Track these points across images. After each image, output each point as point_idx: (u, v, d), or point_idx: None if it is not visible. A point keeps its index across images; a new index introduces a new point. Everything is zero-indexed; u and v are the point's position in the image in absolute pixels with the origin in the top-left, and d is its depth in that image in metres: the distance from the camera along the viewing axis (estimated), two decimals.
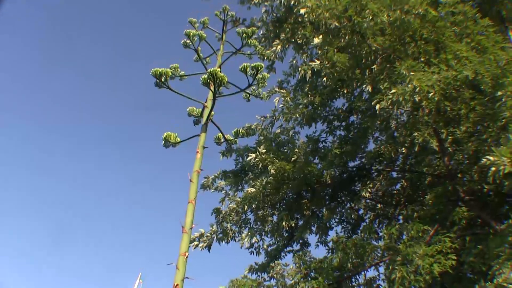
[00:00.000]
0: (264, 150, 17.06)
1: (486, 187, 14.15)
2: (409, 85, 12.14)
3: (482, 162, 11.48)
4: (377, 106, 13.48)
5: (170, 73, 7.70)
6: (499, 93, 11.67)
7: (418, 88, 11.95)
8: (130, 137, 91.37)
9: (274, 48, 17.35)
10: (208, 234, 18.23)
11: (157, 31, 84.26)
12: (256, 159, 17.02)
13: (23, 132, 78.69)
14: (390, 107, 13.10)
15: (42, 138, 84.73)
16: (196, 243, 18.05)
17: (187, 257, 6.28)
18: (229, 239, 18.49)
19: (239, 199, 18.01)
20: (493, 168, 10.89)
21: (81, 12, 73.84)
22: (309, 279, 15.12)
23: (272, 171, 16.60)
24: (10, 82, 65.10)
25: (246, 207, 17.72)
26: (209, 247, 18.19)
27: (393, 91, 12.52)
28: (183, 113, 8.19)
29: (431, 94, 11.95)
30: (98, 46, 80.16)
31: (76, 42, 77.20)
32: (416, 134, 15.22)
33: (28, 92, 77.69)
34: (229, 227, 18.39)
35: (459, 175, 15.19)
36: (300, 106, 16.98)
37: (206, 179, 18.91)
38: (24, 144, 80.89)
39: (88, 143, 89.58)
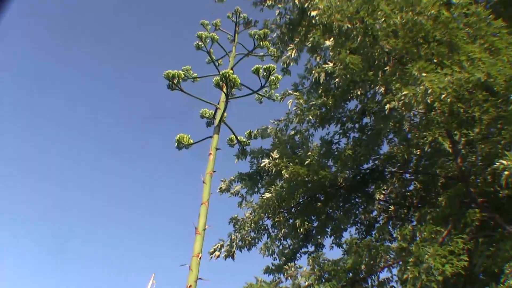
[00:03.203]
0: (277, 155, 17.08)
1: (499, 189, 14.13)
2: (421, 87, 12.13)
3: (495, 166, 11.48)
4: (387, 106, 13.50)
5: (183, 75, 7.79)
6: None
7: (430, 90, 11.95)
8: (144, 139, 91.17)
9: (289, 53, 17.39)
10: (228, 243, 18.26)
11: (168, 34, 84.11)
12: (270, 164, 17.05)
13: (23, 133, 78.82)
14: (402, 108, 13.10)
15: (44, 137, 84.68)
16: (217, 253, 18.06)
17: (200, 258, 6.35)
18: (251, 246, 18.51)
19: (255, 205, 18.02)
20: (506, 172, 10.90)
21: (90, 11, 73.81)
22: (323, 280, 15.14)
23: (286, 175, 16.60)
24: (11, 83, 65.27)
25: (262, 214, 17.75)
26: (232, 256, 18.20)
27: (404, 92, 12.53)
28: (196, 117, 8.27)
29: (443, 96, 11.95)
30: (107, 46, 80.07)
31: (83, 42, 77.29)
32: (428, 135, 15.21)
33: (29, 94, 77.82)
34: (247, 234, 18.38)
35: (472, 177, 15.14)
36: (313, 108, 17.00)
37: (222, 182, 18.97)
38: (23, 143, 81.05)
39: (104, 140, 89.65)
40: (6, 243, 65.92)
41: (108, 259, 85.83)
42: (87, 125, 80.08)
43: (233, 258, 18.15)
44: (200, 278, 6.22)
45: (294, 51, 17.34)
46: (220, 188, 18.73)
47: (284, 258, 18.63)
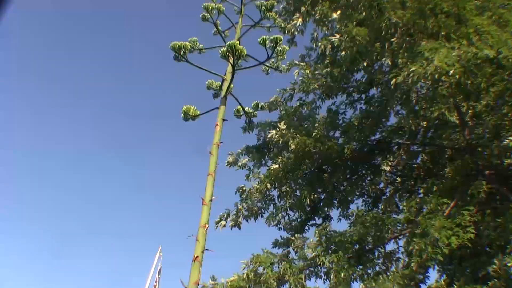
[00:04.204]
0: (284, 126, 17.03)
1: (506, 161, 14.13)
2: (430, 65, 12.05)
3: (504, 143, 11.46)
4: (393, 81, 13.47)
5: (189, 47, 7.75)
6: None
7: (438, 67, 11.88)
8: (153, 112, 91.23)
9: (295, 21, 17.28)
10: (235, 213, 18.27)
11: (173, 6, 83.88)
12: (277, 135, 17.01)
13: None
14: (409, 82, 13.05)
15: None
16: (223, 222, 18.11)
17: (207, 229, 6.36)
18: (257, 216, 18.56)
19: (262, 176, 18.03)
20: None
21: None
22: (330, 252, 15.17)
23: (293, 146, 16.58)
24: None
25: (269, 185, 17.75)
26: (238, 225, 18.25)
27: (412, 69, 12.47)
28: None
29: (451, 71, 11.88)
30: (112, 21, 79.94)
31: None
32: (436, 107, 15.17)
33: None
34: (254, 204, 18.40)
35: (479, 149, 15.14)
36: (319, 77, 16.96)
37: (230, 155, 18.94)
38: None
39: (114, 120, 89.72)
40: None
41: (115, 232, 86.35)
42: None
43: (239, 227, 18.17)
44: (207, 249, 6.23)
45: (300, 20, 17.24)
46: (228, 161, 18.69)
47: (292, 231, 18.65)
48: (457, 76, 12.09)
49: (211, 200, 6.56)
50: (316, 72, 17.15)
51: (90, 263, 79.34)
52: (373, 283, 13.94)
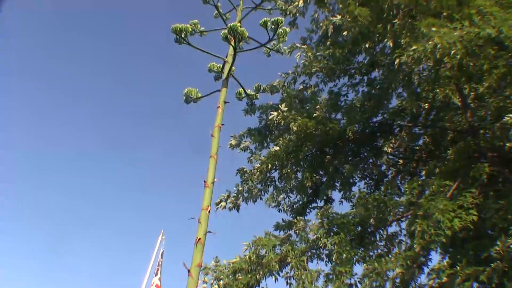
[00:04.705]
0: (286, 108, 17.02)
1: (508, 144, 14.11)
2: (430, 42, 12.03)
3: (504, 120, 11.43)
4: (397, 61, 13.43)
5: (190, 29, 7.72)
6: None
7: (439, 45, 11.85)
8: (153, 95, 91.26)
9: (296, 3, 17.23)
10: (235, 195, 18.29)
11: None
12: (279, 117, 17.00)
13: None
14: (411, 62, 13.01)
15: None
16: (223, 204, 18.13)
17: (209, 211, 6.36)
18: (256, 198, 18.57)
19: (263, 158, 18.02)
20: None
21: None
22: (332, 234, 15.19)
23: (294, 128, 16.56)
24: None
25: (269, 165, 17.75)
26: (237, 207, 18.28)
27: (413, 47, 12.44)
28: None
29: (453, 51, 11.85)
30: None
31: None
32: (438, 89, 15.15)
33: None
34: (254, 186, 18.42)
35: (481, 131, 15.11)
36: (321, 58, 16.93)
37: (232, 138, 18.93)
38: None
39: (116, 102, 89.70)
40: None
41: (117, 217, 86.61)
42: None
43: (237, 209, 18.24)
44: (209, 232, 6.22)
45: (301, 1, 17.18)
46: (230, 144, 18.70)
47: (293, 214, 18.68)
48: (459, 57, 12.05)
49: (213, 183, 6.56)
50: (318, 53, 17.11)
51: (92, 249, 79.67)
52: (375, 263, 13.96)
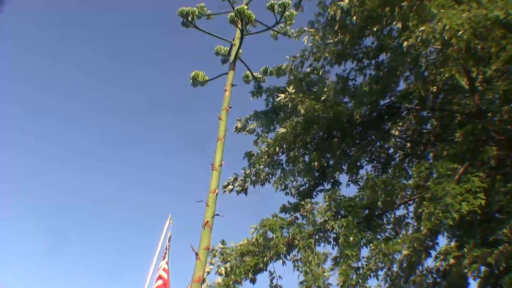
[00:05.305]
0: (293, 90, 16.97)
1: None
2: (439, 23, 11.99)
3: None
4: (405, 44, 13.40)
5: (197, 12, 7.74)
6: None
7: (447, 27, 11.82)
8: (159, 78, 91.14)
9: None
10: (242, 178, 18.29)
11: None
12: (286, 99, 16.95)
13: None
14: (419, 44, 12.98)
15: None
16: (230, 187, 18.14)
17: (217, 194, 6.40)
18: (263, 181, 18.58)
19: (270, 141, 18.00)
20: None
21: None
22: (339, 217, 15.19)
23: (302, 110, 16.49)
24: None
25: (277, 148, 17.73)
26: (245, 191, 18.29)
27: (421, 28, 12.40)
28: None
29: (460, 32, 11.81)
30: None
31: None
32: (446, 71, 15.10)
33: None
34: (261, 169, 18.43)
35: (489, 114, 15.07)
36: (330, 46, 16.86)
37: (238, 121, 18.88)
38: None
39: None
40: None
41: (125, 200, 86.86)
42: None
43: (245, 193, 18.23)
44: (217, 214, 6.26)
45: None
46: (236, 127, 18.65)
47: (300, 197, 18.68)
48: (466, 37, 12.01)
49: (220, 165, 6.59)
50: (326, 38, 17.03)
51: (101, 232, 79.98)
52: (382, 244, 13.99)
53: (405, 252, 14.17)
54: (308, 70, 18.07)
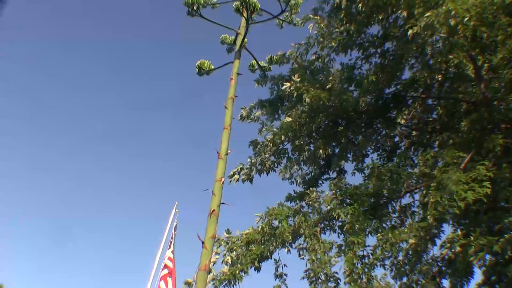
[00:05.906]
0: (298, 79, 16.93)
1: None
2: (443, 7, 11.96)
3: None
4: (410, 32, 13.37)
5: (202, 1, 7.71)
6: None
7: (453, 12, 11.79)
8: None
9: None
10: (248, 167, 18.30)
11: None
12: (291, 88, 16.92)
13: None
14: (425, 32, 12.95)
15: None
16: (236, 176, 18.16)
17: (223, 182, 6.39)
18: (269, 170, 18.60)
19: (275, 129, 17.99)
20: None
21: None
22: (345, 205, 15.20)
23: (307, 99, 16.46)
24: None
25: (283, 137, 17.70)
26: (250, 180, 18.30)
27: (427, 14, 12.37)
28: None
29: (466, 18, 11.78)
30: None
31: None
32: (451, 59, 15.06)
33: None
34: (267, 158, 18.43)
35: (495, 103, 15.04)
36: (335, 35, 16.82)
37: (243, 109, 18.84)
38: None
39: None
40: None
41: (131, 190, 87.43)
42: None
43: (251, 182, 18.25)
44: (223, 203, 6.25)
45: None
46: (241, 115, 18.62)
47: (305, 185, 18.68)
48: (472, 23, 11.98)
49: (226, 154, 6.58)
50: (331, 26, 16.97)
51: (108, 221, 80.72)
52: (389, 233, 13.99)
53: (411, 241, 14.20)
54: (313, 57, 18.00)
